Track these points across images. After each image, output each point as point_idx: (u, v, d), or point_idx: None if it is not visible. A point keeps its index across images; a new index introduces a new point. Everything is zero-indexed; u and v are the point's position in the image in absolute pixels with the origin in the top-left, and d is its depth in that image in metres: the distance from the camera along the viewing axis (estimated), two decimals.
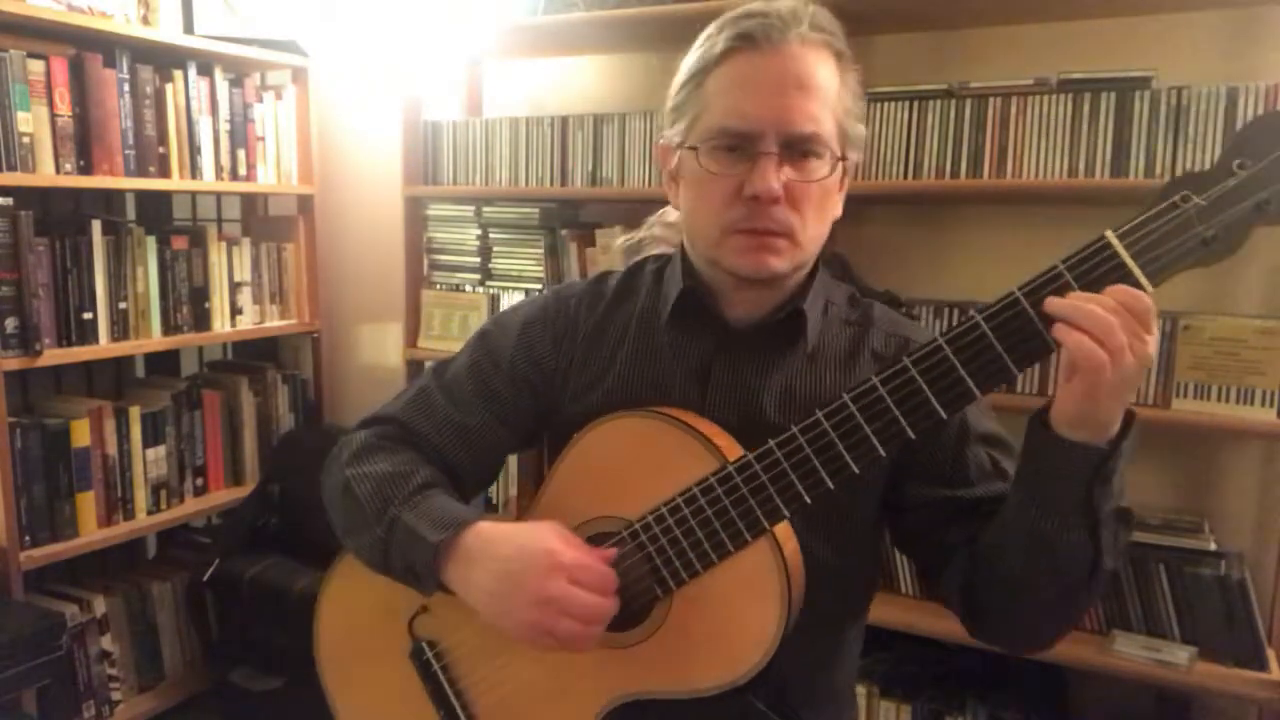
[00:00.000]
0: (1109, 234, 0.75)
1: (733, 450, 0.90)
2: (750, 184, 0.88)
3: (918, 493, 0.97)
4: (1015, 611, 0.90)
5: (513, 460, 2.28)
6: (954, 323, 0.90)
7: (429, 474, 1.02)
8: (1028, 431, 0.82)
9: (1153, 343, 0.74)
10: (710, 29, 0.95)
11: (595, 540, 0.96)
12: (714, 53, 0.92)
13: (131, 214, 2.56)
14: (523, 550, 0.90)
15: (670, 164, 1.00)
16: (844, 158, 0.93)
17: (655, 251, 1.17)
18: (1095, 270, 0.75)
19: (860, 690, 1.93)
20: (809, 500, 0.85)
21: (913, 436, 0.82)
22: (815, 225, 0.93)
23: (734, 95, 0.90)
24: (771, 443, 0.86)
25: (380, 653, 1.07)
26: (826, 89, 0.90)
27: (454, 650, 1.04)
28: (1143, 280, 0.74)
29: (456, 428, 1.07)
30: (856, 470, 0.84)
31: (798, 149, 0.90)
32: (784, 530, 0.88)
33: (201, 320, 2.44)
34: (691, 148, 0.93)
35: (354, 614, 1.11)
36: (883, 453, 0.83)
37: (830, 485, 0.85)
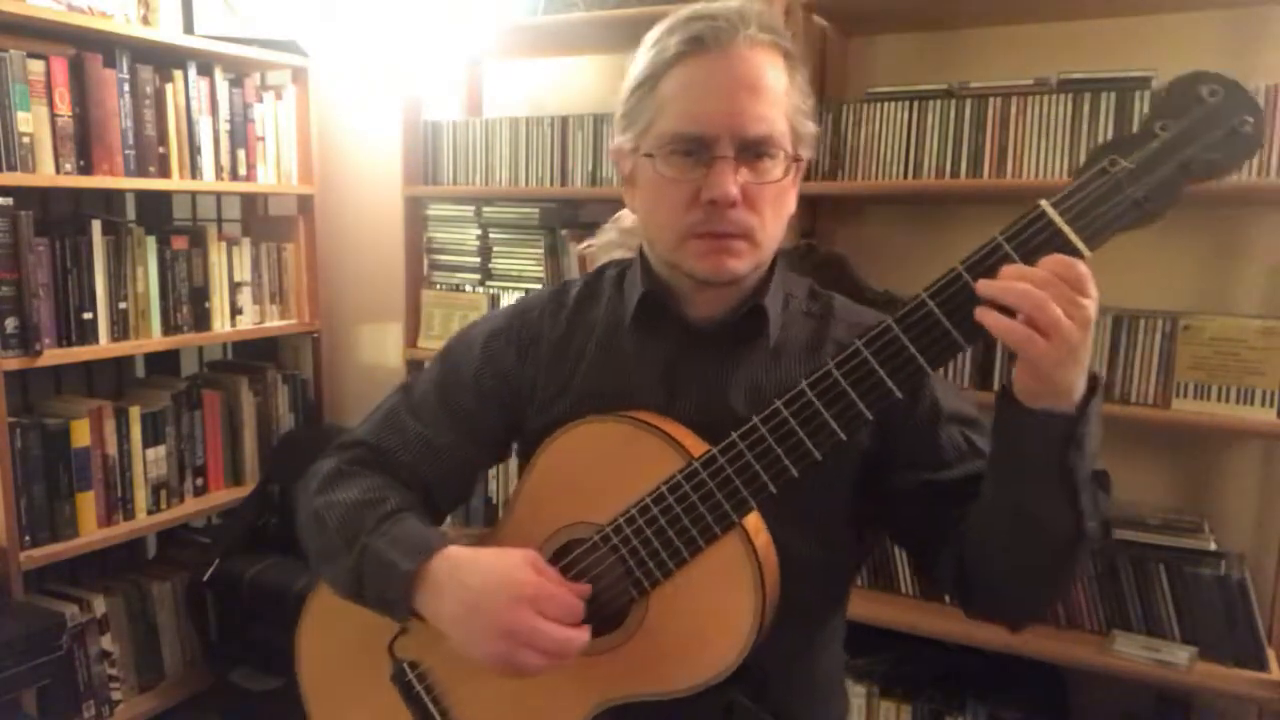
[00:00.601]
0: (1043, 203, 0.77)
1: (698, 448, 0.90)
2: (708, 188, 0.89)
3: (900, 482, 0.98)
4: (1009, 585, 0.91)
5: (512, 463, 2.27)
6: None
7: (399, 499, 1.01)
8: (996, 406, 0.83)
9: (1092, 305, 0.74)
10: (657, 32, 0.95)
11: (568, 548, 0.96)
12: (665, 57, 0.92)
13: (131, 214, 2.56)
14: (490, 580, 0.90)
15: (625, 169, 1.00)
16: (797, 157, 0.94)
17: (615, 256, 1.17)
18: (1033, 239, 0.77)
19: (860, 690, 1.93)
20: (774, 489, 0.86)
21: (870, 418, 0.83)
22: (773, 225, 0.94)
23: (687, 100, 0.90)
24: (734, 435, 0.87)
25: (363, 679, 1.07)
26: (776, 89, 0.91)
27: (435, 669, 1.04)
28: (1080, 245, 0.75)
29: (427, 446, 1.07)
30: (818, 456, 0.85)
31: (752, 151, 0.90)
32: (754, 523, 0.89)
33: (201, 320, 2.44)
34: (648, 154, 0.93)
35: (334, 643, 1.11)
36: (843, 436, 0.84)
37: (794, 473, 0.86)
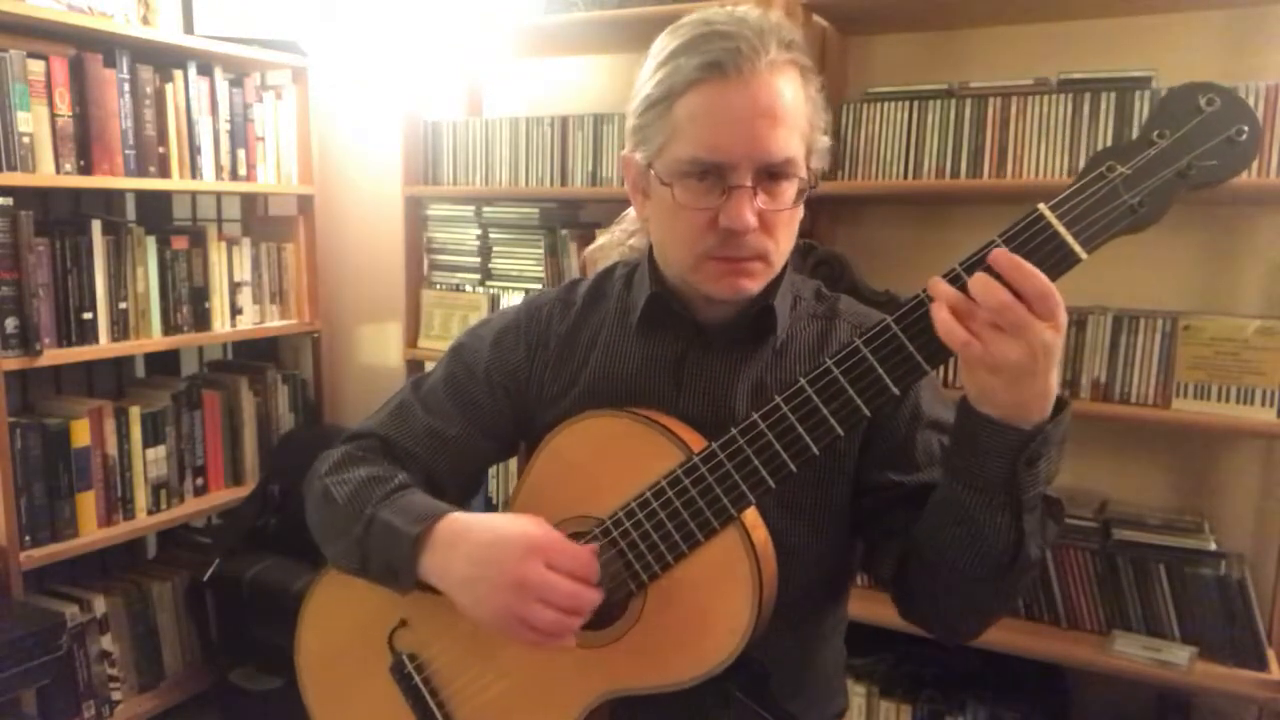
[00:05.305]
0: (1042, 206, 0.78)
1: (698, 443, 0.91)
2: (726, 218, 0.89)
3: (869, 477, 0.99)
4: (940, 590, 0.92)
5: (513, 462, 2.27)
6: None
7: (407, 477, 1.03)
8: (957, 407, 0.84)
9: (1048, 332, 0.74)
10: (669, 44, 0.92)
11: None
12: (680, 78, 0.89)
13: (131, 214, 2.56)
14: (499, 535, 0.91)
15: (635, 179, 1.00)
16: (812, 184, 0.94)
17: (618, 256, 1.18)
18: (1031, 241, 0.78)
19: (860, 690, 1.93)
20: (773, 485, 0.87)
21: (868, 414, 0.84)
22: (786, 243, 0.95)
23: (704, 127, 0.88)
24: (734, 430, 0.88)
25: (362, 671, 1.07)
26: (796, 113, 0.90)
27: (433, 662, 1.04)
28: (1077, 248, 0.76)
29: (436, 438, 1.08)
30: (816, 451, 0.85)
31: (767, 174, 0.90)
32: (752, 518, 0.90)
33: (201, 320, 2.44)
34: (665, 184, 0.92)
35: (333, 635, 1.11)
36: (840, 432, 0.85)
37: (793, 468, 0.86)
